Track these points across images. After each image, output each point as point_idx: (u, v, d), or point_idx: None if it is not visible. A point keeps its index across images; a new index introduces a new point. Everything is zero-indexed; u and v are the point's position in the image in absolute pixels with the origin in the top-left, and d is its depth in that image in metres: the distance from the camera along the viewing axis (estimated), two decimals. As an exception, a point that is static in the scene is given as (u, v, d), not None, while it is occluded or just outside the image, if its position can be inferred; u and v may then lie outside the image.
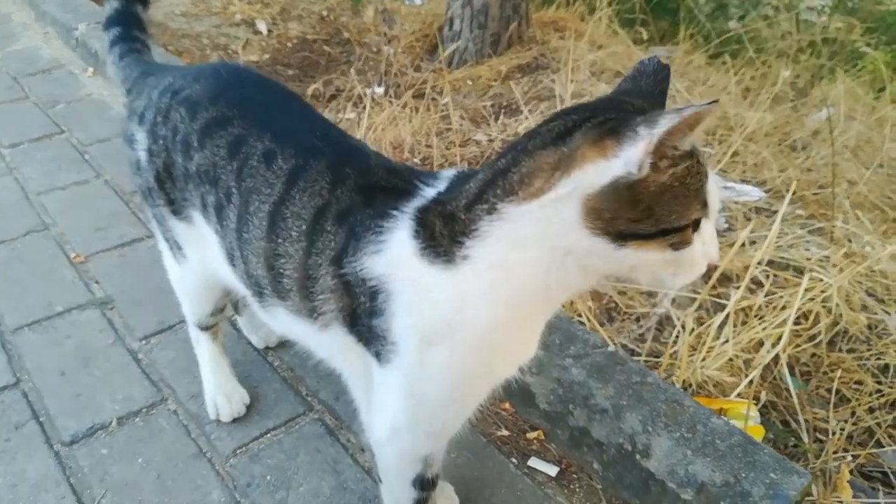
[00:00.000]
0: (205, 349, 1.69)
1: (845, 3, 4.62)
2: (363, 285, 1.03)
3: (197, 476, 1.57)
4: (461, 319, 0.99)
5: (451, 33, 3.59)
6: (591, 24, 3.81)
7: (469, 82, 3.45)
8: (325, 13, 4.32)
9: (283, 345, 1.91)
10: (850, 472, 1.66)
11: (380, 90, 3.34)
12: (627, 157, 0.84)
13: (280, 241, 1.13)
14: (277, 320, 1.25)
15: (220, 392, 1.69)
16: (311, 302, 1.12)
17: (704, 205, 0.90)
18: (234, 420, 1.69)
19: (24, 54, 3.63)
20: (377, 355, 1.07)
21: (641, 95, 0.97)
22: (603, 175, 0.86)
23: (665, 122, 0.81)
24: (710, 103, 0.79)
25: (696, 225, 0.91)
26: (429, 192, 1.04)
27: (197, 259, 1.45)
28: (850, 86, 3.61)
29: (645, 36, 3.80)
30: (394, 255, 1.01)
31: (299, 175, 1.12)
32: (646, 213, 0.87)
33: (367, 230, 1.03)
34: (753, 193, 2.66)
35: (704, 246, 0.93)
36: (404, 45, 3.78)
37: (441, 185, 1.05)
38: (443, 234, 0.97)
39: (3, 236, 2.29)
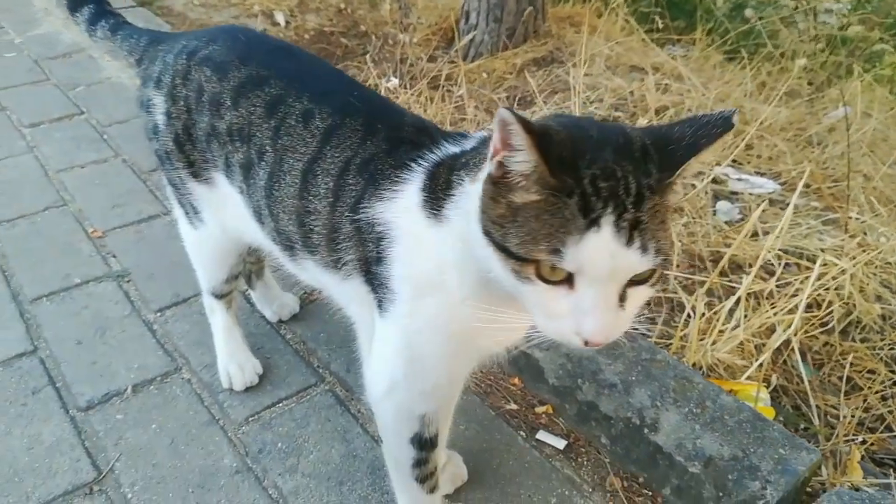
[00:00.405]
0: (219, 318, 1.71)
1: (864, 5, 4.59)
2: (371, 231, 1.06)
3: (209, 442, 1.59)
4: (441, 281, 1.01)
5: (467, 26, 3.61)
6: (607, 19, 3.82)
7: (484, 74, 3.46)
8: (342, 6, 4.35)
9: (296, 318, 1.93)
10: (861, 457, 1.66)
11: (395, 80, 3.36)
12: (491, 151, 0.85)
13: (311, 198, 1.16)
14: (307, 272, 1.29)
15: (233, 361, 1.71)
16: (337, 254, 1.15)
17: (554, 252, 0.80)
18: (247, 389, 1.71)
19: (45, 38, 3.68)
20: (380, 304, 1.10)
21: (664, 136, 0.87)
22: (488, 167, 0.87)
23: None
24: (500, 110, 0.77)
25: (562, 274, 0.82)
26: (451, 150, 1.06)
27: (214, 222, 1.47)
28: (867, 84, 3.60)
29: (660, 26, 3.80)
30: (403, 203, 1.04)
31: (334, 133, 1.15)
32: (499, 220, 0.85)
33: (385, 178, 1.06)
34: (768, 185, 2.66)
35: (573, 310, 0.83)
36: (420, 37, 3.80)
37: (468, 145, 1.07)
38: (441, 189, 1.00)
39: (24, 211, 2.32)
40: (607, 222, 0.79)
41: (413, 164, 1.05)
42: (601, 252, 0.79)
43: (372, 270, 1.09)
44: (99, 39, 1.62)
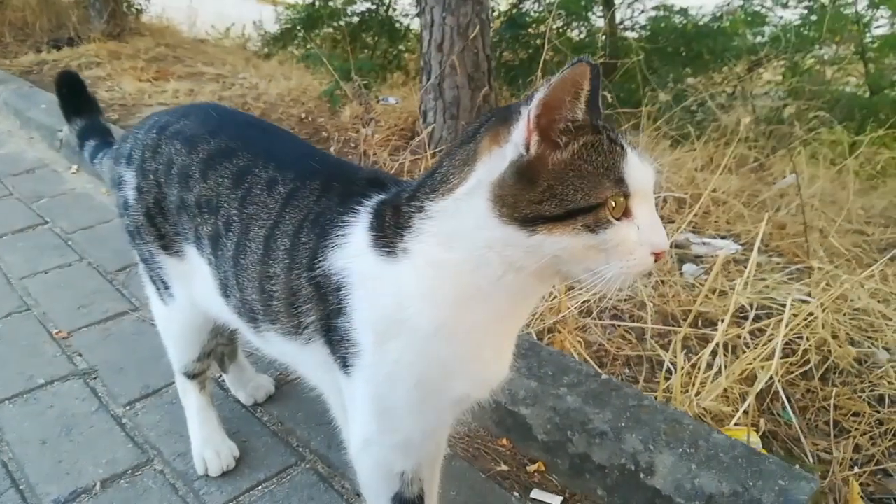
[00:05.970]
0: (192, 400, 1.65)
1: (801, 88, 4.90)
2: (329, 282, 1.04)
3: (185, 532, 1.49)
4: (405, 317, 0.98)
5: (425, 124, 3.73)
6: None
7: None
8: (303, 115, 4.49)
9: (272, 399, 1.87)
10: (860, 496, 1.62)
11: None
12: (515, 140, 0.87)
13: (270, 262, 1.15)
14: (269, 344, 1.25)
15: (209, 446, 1.64)
16: (297, 318, 1.13)
17: (619, 182, 0.86)
18: (224, 474, 1.62)
19: (9, 157, 3.70)
20: (343, 361, 1.07)
21: None
22: (500, 162, 0.88)
23: (539, 95, 0.83)
24: (575, 63, 0.80)
25: (621, 208, 0.87)
26: (394, 190, 1.07)
27: (184, 297, 1.45)
28: (810, 153, 3.81)
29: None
30: (352, 248, 1.03)
31: (294, 195, 1.16)
32: (547, 193, 0.86)
33: (333, 227, 1.06)
34: (730, 247, 2.73)
35: (641, 231, 0.88)
36: (381, 138, 3.92)
37: (412, 183, 1.07)
38: (389, 225, 1.00)
39: (-16, 319, 2.26)
40: (625, 144, 0.89)
41: (358, 207, 1.05)
42: (640, 167, 0.88)
43: (333, 326, 1.06)
44: (99, 163, 1.65)
